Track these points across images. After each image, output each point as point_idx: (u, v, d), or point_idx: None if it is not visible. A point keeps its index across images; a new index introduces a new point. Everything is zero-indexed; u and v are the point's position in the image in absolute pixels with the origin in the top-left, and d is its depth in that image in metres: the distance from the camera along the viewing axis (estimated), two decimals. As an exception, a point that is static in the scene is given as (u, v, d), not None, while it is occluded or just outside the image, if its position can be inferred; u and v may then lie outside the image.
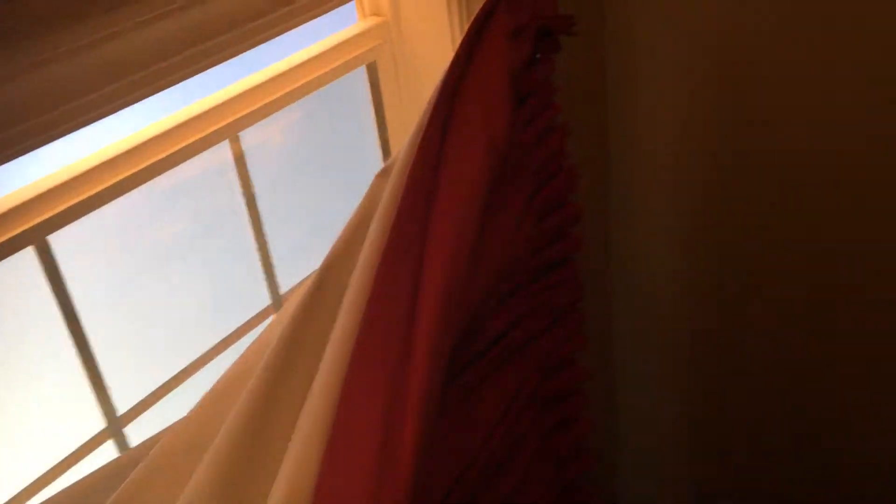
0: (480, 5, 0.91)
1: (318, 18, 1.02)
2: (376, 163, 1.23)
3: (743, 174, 1.37)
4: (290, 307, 0.84)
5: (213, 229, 1.09)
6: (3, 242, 0.82)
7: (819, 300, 1.41)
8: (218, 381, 0.87)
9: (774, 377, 1.52)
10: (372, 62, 1.15)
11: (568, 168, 1.12)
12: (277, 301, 1.13)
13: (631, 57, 1.36)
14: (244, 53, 0.94)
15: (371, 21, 1.13)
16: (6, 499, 0.92)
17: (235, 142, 1.03)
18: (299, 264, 1.12)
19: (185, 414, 0.86)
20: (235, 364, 0.87)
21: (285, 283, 1.13)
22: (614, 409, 1.72)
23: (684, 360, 1.61)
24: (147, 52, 0.83)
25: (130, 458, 0.88)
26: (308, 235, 1.18)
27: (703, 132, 1.38)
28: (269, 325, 0.90)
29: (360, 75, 1.16)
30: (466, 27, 0.90)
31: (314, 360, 0.78)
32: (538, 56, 1.03)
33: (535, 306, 1.11)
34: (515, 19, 0.95)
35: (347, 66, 1.10)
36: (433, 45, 1.14)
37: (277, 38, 0.98)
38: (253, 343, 0.89)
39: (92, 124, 0.83)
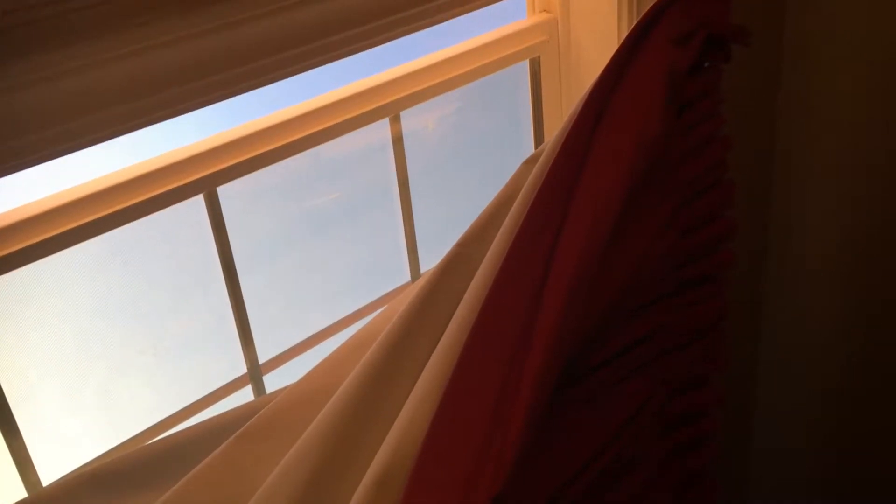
0: (650, 9, 0.90)
1: (489, 8, 1.05)
2: (529, 159, 1.25)
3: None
4: (421, 281, 0.88)
5: (366, 203, 1.15)
6: (179, 187, 0.91)
7: None
8: (344, 343, 0.91)
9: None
10: (536, 57, 1.16)
11: (725, 182, 1.08)
12: (417, 279, 1.17)
13: (808, 78, 1.30)
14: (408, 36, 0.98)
15: (540, 17, 1.15)
16: (146, 426, 1.01)
17: (396, 122, 1.08)
18: (441, 247, 1.16)
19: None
20: (363, 329, 0.92)
21: (426, 264, 1.17)
22: (748, 441, 1.64)
23: (830, 400, 1.50)
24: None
25: (261, 404, 0.94)
26: (453, 221, 1.21)
27: (880, 170, 1.29)
28: (401, 296, 0.93)
29: (523, 70, 1.18)
30: (633, 31, 0.90)
31: (438, 330, 0.80)
32: (706, 64, 1.01)
33: (674, 321, 1.08)
34: (684, 24, 0.94)
35: (511, 59, 1.13)
36: (599, 47, 1.14)
37: (446, 25, 1.02)
38: (383, 310, 0.93)
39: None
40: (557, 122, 1.22)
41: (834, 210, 1.37)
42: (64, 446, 0.98)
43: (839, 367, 1.48)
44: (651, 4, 0.92)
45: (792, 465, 1.62)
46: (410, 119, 1.09)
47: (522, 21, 1.15)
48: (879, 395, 1.45)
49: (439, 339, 0.78)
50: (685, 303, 1.08)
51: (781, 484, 1.66)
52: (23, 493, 0.92)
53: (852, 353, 1.46)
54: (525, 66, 1.18)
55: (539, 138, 1.25)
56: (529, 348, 0.73)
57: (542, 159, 0.89)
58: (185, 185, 0.92)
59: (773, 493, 1.68)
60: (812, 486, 1.62)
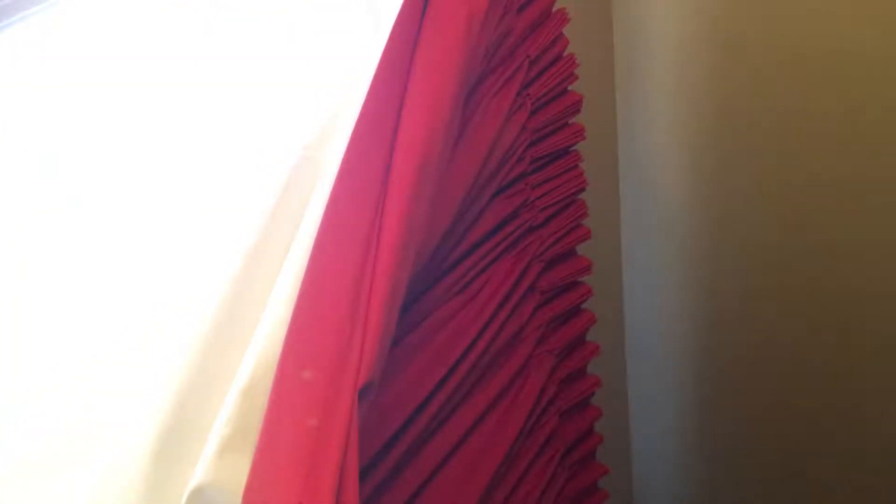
0: None
1: None
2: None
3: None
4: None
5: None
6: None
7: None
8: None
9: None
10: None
11: (567, 57, 1.10)
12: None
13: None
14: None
15: None
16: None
17: None
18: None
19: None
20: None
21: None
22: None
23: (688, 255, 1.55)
24: None
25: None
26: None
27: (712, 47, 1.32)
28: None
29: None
30: None
31: (290, 239, 0.79)
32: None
33: (535, 197, 1.12)
34: None
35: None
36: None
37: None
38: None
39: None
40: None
41: (678, 88, 1.39)
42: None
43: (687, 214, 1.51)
44: None
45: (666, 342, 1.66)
46: None
47: None
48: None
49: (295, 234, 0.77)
50: (544, 178, 1.12)
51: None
52: None
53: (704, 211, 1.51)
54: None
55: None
56: (379, 247, 0.74)
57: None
58: None
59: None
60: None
